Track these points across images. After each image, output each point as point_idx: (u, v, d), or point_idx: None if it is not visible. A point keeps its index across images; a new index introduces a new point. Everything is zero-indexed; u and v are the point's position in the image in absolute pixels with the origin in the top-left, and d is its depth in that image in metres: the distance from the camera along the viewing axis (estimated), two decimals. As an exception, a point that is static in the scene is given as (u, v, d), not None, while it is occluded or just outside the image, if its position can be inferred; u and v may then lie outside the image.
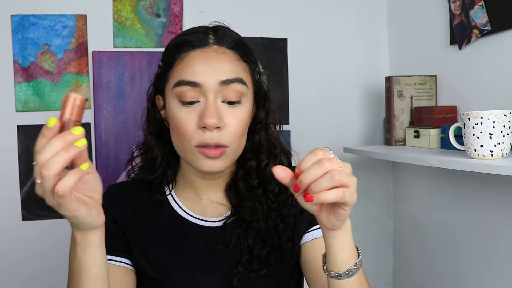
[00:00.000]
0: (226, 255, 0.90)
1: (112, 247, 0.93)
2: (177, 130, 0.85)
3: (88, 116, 1.56)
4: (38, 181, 0.62)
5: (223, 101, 0.84)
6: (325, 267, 0.75)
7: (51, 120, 0.61)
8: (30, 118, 1.52)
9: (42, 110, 1.53)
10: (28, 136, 1.52)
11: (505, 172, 0.96)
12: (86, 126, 1.56)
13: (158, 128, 0.93)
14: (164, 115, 0.91)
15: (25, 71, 1.52)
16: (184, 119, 0.83)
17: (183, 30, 1.61)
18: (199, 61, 0.84)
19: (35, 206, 1.52)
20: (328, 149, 0.66)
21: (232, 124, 0.84)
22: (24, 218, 1.52)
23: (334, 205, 0.67)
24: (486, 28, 1.29)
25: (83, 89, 1.55)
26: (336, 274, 0.73)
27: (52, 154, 0.60)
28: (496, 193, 1.29)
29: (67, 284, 0.82)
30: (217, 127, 0.82)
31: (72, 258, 0.79)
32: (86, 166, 0.63)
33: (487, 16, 1.28)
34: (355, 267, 0.73)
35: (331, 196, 0.63)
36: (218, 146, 0.83)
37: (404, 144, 1.52)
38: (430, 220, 1.57)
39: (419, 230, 1.62)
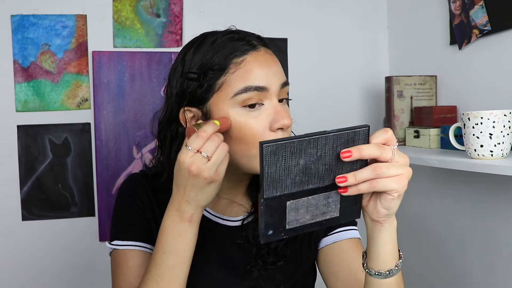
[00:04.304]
0: (244, 251, 0.92)
1: (139, 233, 0.94)
2: (243, 137, 0.83)
3: (88, 116, 1.56)
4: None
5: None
6: (365, 264, 0.76)
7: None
8: (30, 118, 1.52)
9: (42, 110, 1.53)
10: (28, 136, 1.52)
11: (505, 172, 0.96)
12: (86, 126, 1.56)
13: None
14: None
15: (25, 71, 1.52)
16: (252, 123, 0.83)
17: (183, 30, 1.62)
18: (260, 65, 0.84)
19: (35, 206, 1.52)
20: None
21: (290, 122, 0.86)
22: (24, 218, 1.52)
23: (382, 193, 0.68)
24: (486, 28, 1.29)
25: (83, 89, 1.55)
26: (376, 273, 0.74)
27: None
28: (496, 193, 1.29)
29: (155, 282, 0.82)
30: (288, 127, 0.85)
31: (174, 249, 0.82)
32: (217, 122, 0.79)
33: (487, 16, 1.28)
34: (396, 267, 0.74)
35: (362, 188, 0.66)
36: None
37: (404, 144, 1.52)
38: (430, 220, 1.57)
39: (418, 230, 1.62)
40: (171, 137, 0.90)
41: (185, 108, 0.87)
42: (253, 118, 0.83)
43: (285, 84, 0.87)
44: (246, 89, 0.82)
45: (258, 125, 0.83)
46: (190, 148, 0.76)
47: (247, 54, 0.84)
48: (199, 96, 0.85)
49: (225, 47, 0.85)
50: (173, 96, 0.88)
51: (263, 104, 0.84)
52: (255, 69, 0.83)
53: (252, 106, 0.83)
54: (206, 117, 0.86)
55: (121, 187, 1.00)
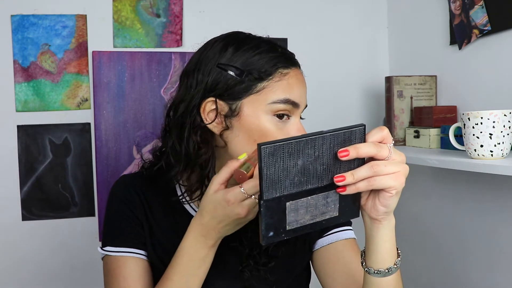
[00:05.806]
0: (237, 252, 0.92)
1: (132, 239, 0.94)
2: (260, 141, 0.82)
3: (88, 116, 1.56)
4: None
5: None
6: (363, 263, 0.77)
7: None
8: (30, 118, 1.52)
9: (42, 110, 1.53)
10: (28, 136, 1.52)
11: (505, 172, 0.96)
12: (86, 126, 1.56)
13: (206, 136, 0.88)
14: (227, 122, 0.86)
15: (25, 71, 1.52)
16: (277, 134, 0.85)
17: (183, 30, 1.62)
18: (298, 83, 0.88)
19: (35, 206, 1.52)
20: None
21: None
22: (24, 218, 1.52)
23: (380, 190, 0.69)
24: (486, 28, 1.29)
25: (83, 89, 1.55)
26: (375, 271, 0.74)
27: None
28: (496, 193, 1.29)
29: None
30: None
31: (195, 272, 0.85)
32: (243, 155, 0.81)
33: (487, 16, 1.28)
34: (395, 266, 0.74)
35: (360, 186, 0.67)
36: None
37: (404, 144, 1.52)
38: (429, 220, 1.57)
39: (418, 230, 1.62)
40: (184, 124, 0.87)
41: (212, 99, 0.85)
42: (278, 129, 0.85)
43: (306, 106, 0.91)
44: (286, 101, 0.84)
45: (279, 135, 0.85)
46: (244, 192, 0.77)
47: (291, 69, 0.87)
48: (234, 91, 0.84)
49: (272, 54, 0.86)
50: (203, 83, 0.85)
51: (289, 119, 0.86)
52: (295, 85, 0.86)
53: (280, 117, 0.85)
54: (233, 114, 0.85)
55: (111, 191, 1.00)
